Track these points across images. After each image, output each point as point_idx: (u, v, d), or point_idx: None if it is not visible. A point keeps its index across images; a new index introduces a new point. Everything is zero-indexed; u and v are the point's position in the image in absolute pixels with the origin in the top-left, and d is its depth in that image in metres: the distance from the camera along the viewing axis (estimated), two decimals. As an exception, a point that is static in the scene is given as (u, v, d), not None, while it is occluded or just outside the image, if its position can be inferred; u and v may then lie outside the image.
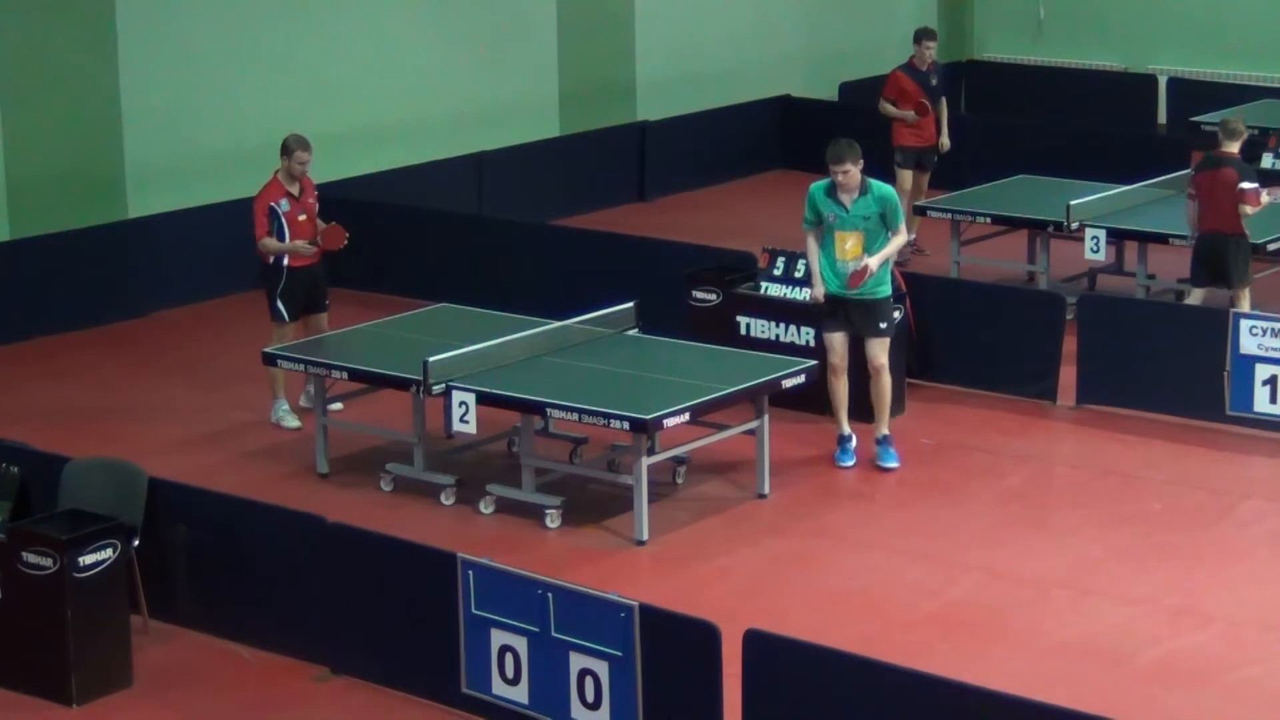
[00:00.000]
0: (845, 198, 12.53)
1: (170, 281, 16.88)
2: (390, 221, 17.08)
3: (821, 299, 12.69)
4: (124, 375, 15.31)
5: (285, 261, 13.55)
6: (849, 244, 12.54)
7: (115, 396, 14.76)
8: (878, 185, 12.65)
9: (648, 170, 20.85)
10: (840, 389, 12.81)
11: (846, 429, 12.92)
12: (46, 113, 16.48)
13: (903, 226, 12.74)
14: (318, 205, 13.75)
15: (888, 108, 17.73)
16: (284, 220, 13.50)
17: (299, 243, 13.53)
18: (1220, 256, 14.42)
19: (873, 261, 12.49)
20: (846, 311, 12.71)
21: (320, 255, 13.70)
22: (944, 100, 18.08)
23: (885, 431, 12.91)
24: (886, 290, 12.78)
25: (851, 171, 12.46)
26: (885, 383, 12.81)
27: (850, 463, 12.86)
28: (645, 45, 21.40)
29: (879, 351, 12.76)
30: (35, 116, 16.42)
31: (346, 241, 13.74)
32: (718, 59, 22.24)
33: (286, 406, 13.79)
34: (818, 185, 12.70)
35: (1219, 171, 14.48)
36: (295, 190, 13.57)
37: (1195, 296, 14.63)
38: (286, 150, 13.54)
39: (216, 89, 17.67)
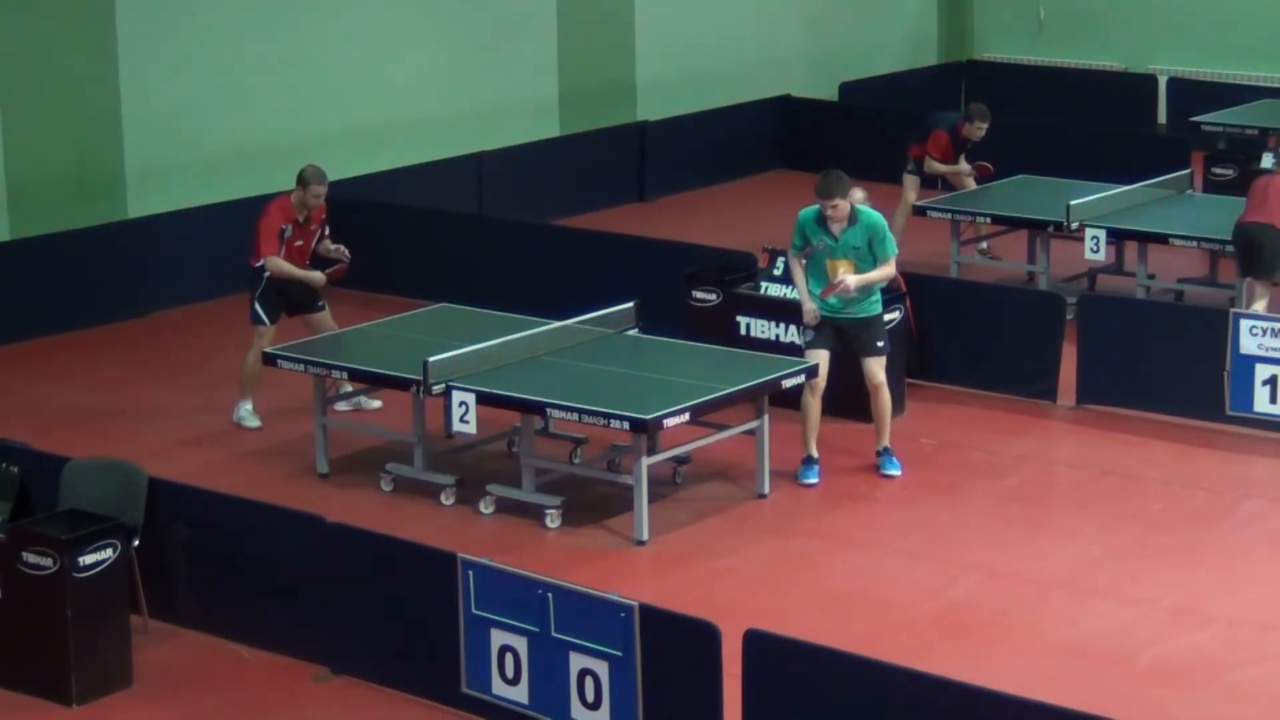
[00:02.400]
0: (835, 227, 12.49)
1: (170, 281, 16.89)
2: (390, 221, 17.09)
3: (816, 318, 12.58)
4: (124, 375, 15.32)
5: (266, 270, 13.58)
6: (839, 272, 12.51)
7: (115, 396, 14.76)
8: (866, 214, 12.58)
9: (648, 170, 20.84)
10: (814, 408, 12.63)
11: (814, 451, 12.75)
12: (46, 113, 16.48)
13: (891, 258, 12.61)
14: (320, 233, 13.74)
15: (936, 166, 17.41)
16: (283, 244, 13.55)
17: (314, 274, 13.61)
18: (1256, 245, 14.38)
19: (851, 280, 12.40)
20: (841, 331, 12.67)
21: (307, 251, 13.72)
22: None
23: (886, 444, 12.90)
24: (878, 308, 12.76)
25: (841, 205, 12.39)
26: (885, 399, 12.77)
27: (814, 480, 12.70)
28: (645, 45, 21.39)
29: (877, 370, 12.70)
30: (35, 116, 16.42)
31: (345, 271, 13.81)
32: (718, 59, 22.23)
33: (249, 407, 13.85)
34: (807, 212, 12.62)
35: (1275, 178, 14.52)
36: (302, 217, 13.59)
37: (1260, 302, 14.45)
38: (303, 182, 13.50)
39: (216, 89, 17.67)
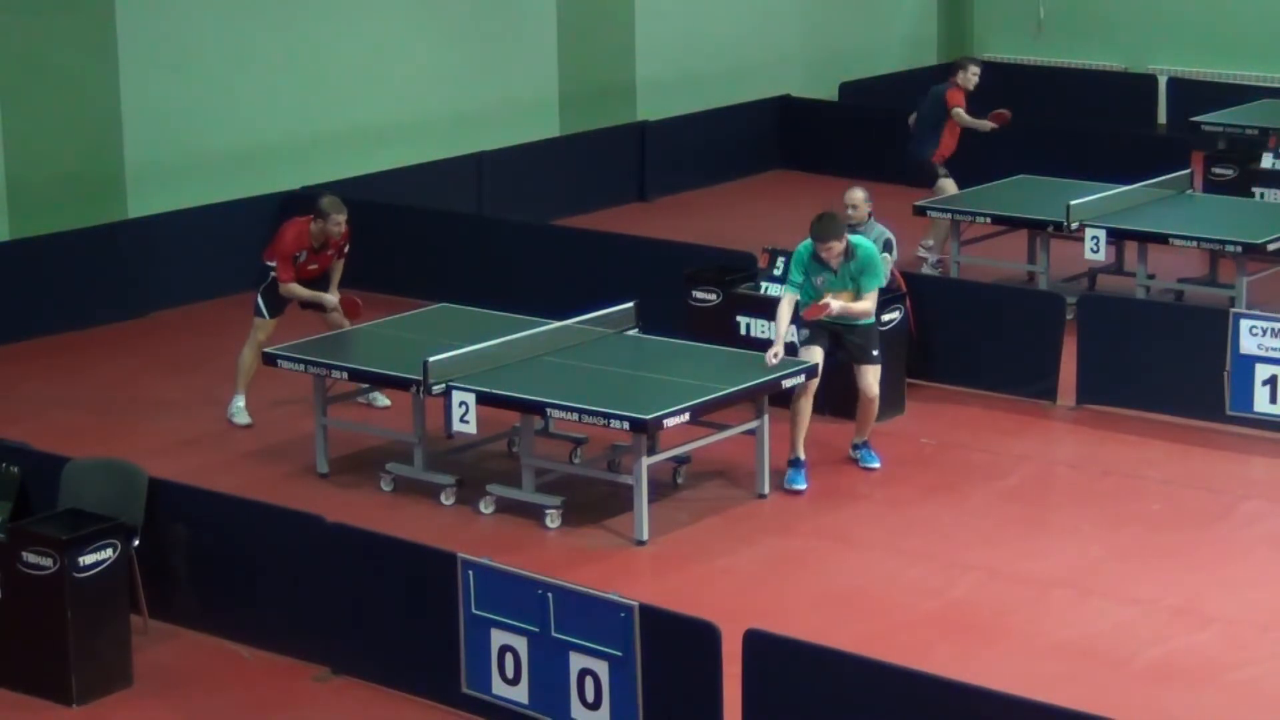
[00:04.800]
0: (834, 262, 12.43)
1: (170, 281, 16.89)
2: (390, 221, 17.08)
3: (777, 359, 12.24)
4: (124, 375, 15.32)
5: (273, 273, 13.69)
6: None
7: (115, 396, 14.77)
8: (863, 247, 12.50)
9: (648, 170, 20.84)
10: (805, 410, 12.56)
11: (801, 453, 12.65)
12: (46, 113, 16.49)
13: (873, 293, 12.46)
14: (337, 258, 13.83)
15: (965, 117, 17.49)
16: (296, 268, 13.69)
17: (325, 296, 13.75)
18: None
19: (834, 304, 12.31)
20: (836, 337, 12.61)
21: (320, 273, 13.85)
22: None
23: (866, 438, 12.95)
24: (872, 318, 12.69)
25: (835, 247, 12.33)
26: (873, 410, 12.82)
27: (802, 486, 12.61)
28: (645, 45, 21.40)
29: (873, 381, 12.68)
30: (35, 116, 16.42)
31: (361, 309, 13.95)
32: (718, 59, 22.24)
33: (241, 404, 13.91)
34: (805, 247, 12.51)
35: None
36: (317, 245, 13.67)
37: None
38: (321, 214, 13.57)
39: (216, 89, 17.68)
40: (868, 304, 12.51)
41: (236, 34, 17.82)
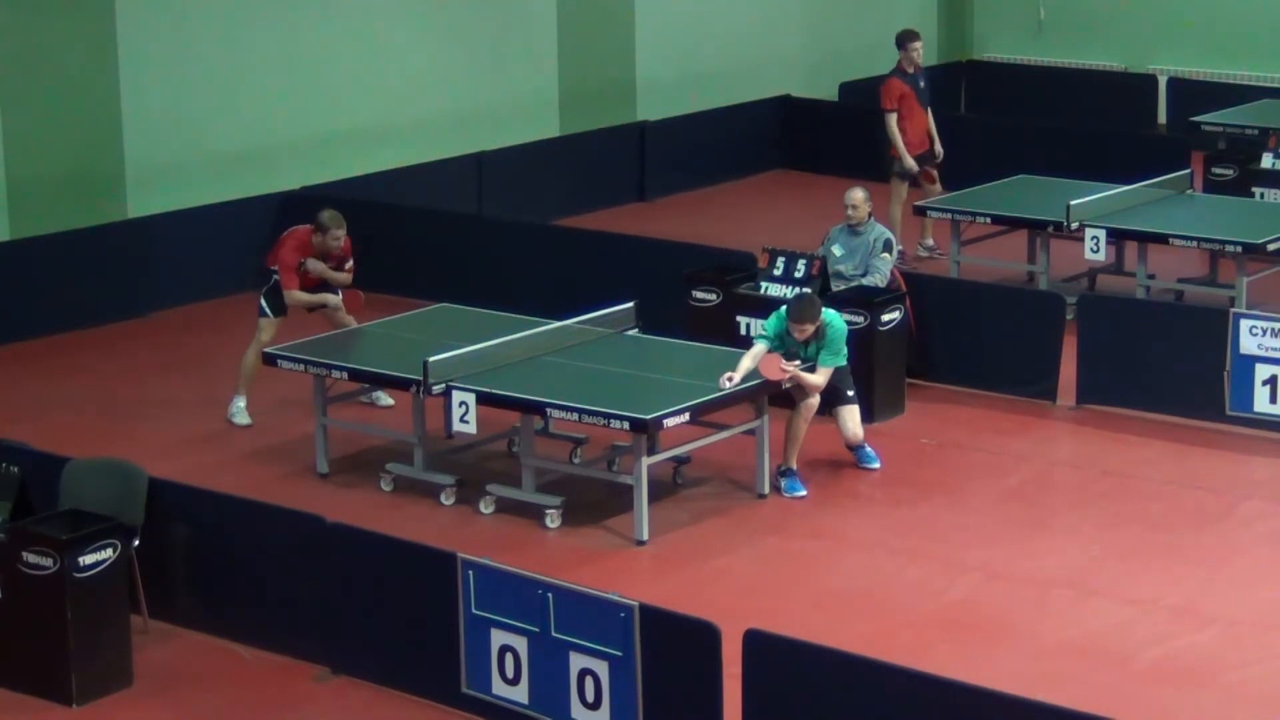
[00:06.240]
0: (803, 339, 12.35)
1: (170, 281, 16.89)
2: (390, 221, 17.08)
3: (731, 382, 12.03)
4: (124, 375, 15.32)
5: (276, 278, 13.77)
6: (795, 365, 12.38)
7: (115, 396, 14.77)
8: (834, 327, 12.40)
9: (648, 170, 20.84)
10: (802, 431, 12.49)
11: (794, 464, 12.59)
12: (46, 113, 16.49)
13: (829, 370, 12.37)
14: (339, 267, 13.82)
15: (894, 123, 17.53)
16: (298, 276, 13.76)
17: (329, 296, 13.79)
18: None
19: (790, 368, 12.20)
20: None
21: (320, 281, 13.89)
22: (929, 108, 17.95)
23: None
24: (845, 361, 12.59)
25: (807, 329, 12.28)
26: (859, 440, 12.84)
27: (803, 492, 12.52)
28: (645, 45, 21.39)
29: (851, 423, 12.67)
30: (35, 116, 16.42)
31: (362, 302, 14.00)
32: (718, 59, 22.23)
33: (242, 405, 13.94)
34: (784, 313, 12.44)
35: None
36: (317, 256, 13.74)
37: None
38: (321, 228, 13.64)
39: (216, 89, 17.68)
40: (820, 379, 12.40)
41: (236, 34, 17.82)
